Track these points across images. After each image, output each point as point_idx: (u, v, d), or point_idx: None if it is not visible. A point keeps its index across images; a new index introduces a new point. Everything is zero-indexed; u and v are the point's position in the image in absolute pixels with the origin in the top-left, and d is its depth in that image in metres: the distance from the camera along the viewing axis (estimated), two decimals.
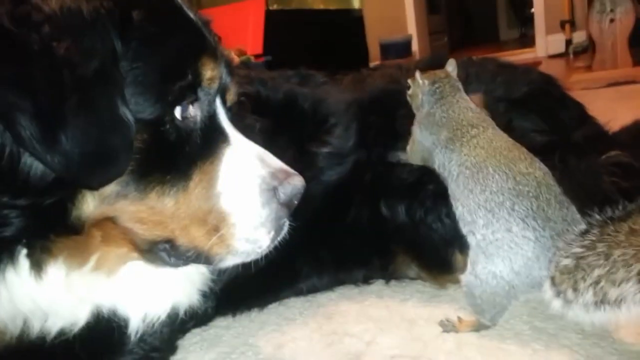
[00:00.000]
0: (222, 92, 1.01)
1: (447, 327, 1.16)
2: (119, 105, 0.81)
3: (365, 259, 1.42)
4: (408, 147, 1.32)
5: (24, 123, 0.74)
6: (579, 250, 0.97)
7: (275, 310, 1.38)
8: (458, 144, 1.16)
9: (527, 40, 8.88)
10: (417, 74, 1.27)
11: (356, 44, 6.57)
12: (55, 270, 0.89)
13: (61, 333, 0.95)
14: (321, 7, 6.81)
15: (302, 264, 1.42)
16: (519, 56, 7.18)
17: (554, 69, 5.65)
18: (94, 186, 0.85)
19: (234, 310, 1.37)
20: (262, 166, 0.94)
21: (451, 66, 1.30)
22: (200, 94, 0.93)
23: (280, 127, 1.39)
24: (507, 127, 1.37)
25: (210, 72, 0.93)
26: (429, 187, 1.32)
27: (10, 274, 0.87)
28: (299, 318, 1.33)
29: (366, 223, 1.38)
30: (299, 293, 1.43)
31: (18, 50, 0.76)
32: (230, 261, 0.95)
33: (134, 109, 0.84)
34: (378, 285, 1.42)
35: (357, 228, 1.40)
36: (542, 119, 1.45)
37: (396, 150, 1.42)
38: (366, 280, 1.43)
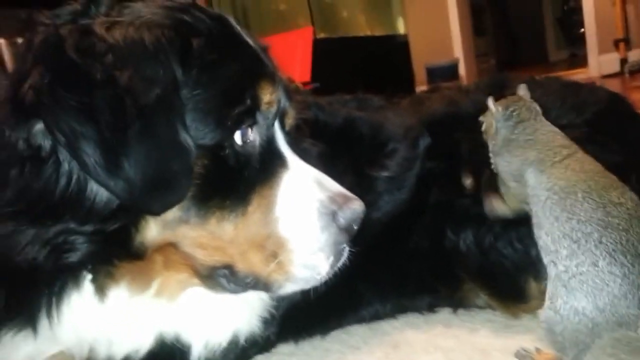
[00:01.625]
0: (281, 116, 1.02)
1: (525, 358, 1.10)
2: (179, 132, 0.83)
3: (429, 286, 1.38)
4: (499, 197, 1.23)
5: (89, 150, 0.77)
6: None
7: (338, 338, 1.35)
8: (549, 164, 1.09)
9: (577, 60, 8.70)
10: (490, 102, 1.21)
11: (402, 69, 6.60)
12: (119, 295, 0.91)
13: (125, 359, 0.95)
14: (367, 33, 6.88)
15: (364, 290, 1.39)
16: (570, 77, 7.01)
17: (609, 89, 5.48)
18: (156, 211, 0.86)
19: (296, 336, 1.35)
20: (321, 190, 0.94)
21: (523, 90, 1.25)
22: (259, 118, 0.94)
23: (338, 151, 1.38)
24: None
25: (268, 96, 0.94)
26: None
27: (76, 299, 0.89)
28: (364, 346, 1.29)
29: (429, 249, 1.34)
30: (362, 320, 1.39)
31: (82, 80, 0.79)
32: (289, 288, 0.95)
33: (194, 135, 0.86)
34: (444, 313, 1.37)
35: (419, 254, 1.36)
36: (614, 139, 1.39)
37: (459, 175, 1.38)
38: (431, 309, 1.39)
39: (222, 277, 0.93)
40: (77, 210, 0.84)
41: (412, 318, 1.38)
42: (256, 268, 0.90)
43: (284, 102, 1.02)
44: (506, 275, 1.26)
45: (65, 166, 0.83)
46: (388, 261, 1.37)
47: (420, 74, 6.76)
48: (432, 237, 1.36)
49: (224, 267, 0.91)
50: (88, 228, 0.85)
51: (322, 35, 6.01)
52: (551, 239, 1.04)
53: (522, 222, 1.20)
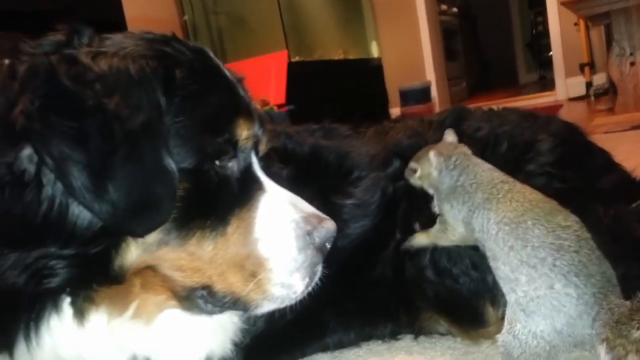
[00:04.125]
0: (255, 144, 1.06)
1: None
2: (163, 156, 0.86)
3: (391, 313, 1.40)
4: (439, 238, 1.26)
5: (76, 174, 0.79)
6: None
7: None
8: (494, 202, 1.14)
9: (546, 83, 8.93)
10: (431, 154, 1.24)
11: (376, 91, 6.70)
12: (97, 318, 0.92)
13: None
14: (341, 57, 6.97)
15: (329, 317, 1.40)
16: (539, 99, 7.21)
17: (575, 112, 5.65)
18: (139, 234, 0.88)
19: None
20: (296, 211, 0.98)
21: (451, 136, 1.30)
22: (237, 150, 0.98)
23: (305, 178, 1.41)
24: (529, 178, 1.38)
25: (246, 132, 0.99)
26: None
27: (55, 322, 0.90)
28: None
29: (391, 277, 1.37)
30: (326, 348, 1.41)
31: (73, 106, 0.82)
32: (266, 307, 0.97)
33: (176, 159, 0.89)
34: (406, 340, 1.39)
35: (382, 282, 1.39)
36: (566, 168, 1.44)
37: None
38: (394, 336, 1.41)
39: (200, 298, 0.94)
40: (58, 234, 0.85)
41: (375, 345, 1.40)
42: (235, 288, 0.93)
43: (258, 131, 1.06)
44: (463, 301, 1.30)
45: (48, 190, 0.85)
46: (353, 289, 1.39)
47: (394, 96, 6.86)
48: (393, 265, 1.39)
49: (203, 287, 0.93)
50: (69, 252, 0.86)
51: (297, 59, 6.07)
52: (509, 268, 1.08)
53: (476, 249, 1.24)
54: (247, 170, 1.00)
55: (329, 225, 0.97)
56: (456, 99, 7.98)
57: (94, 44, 0.93)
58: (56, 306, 0.89)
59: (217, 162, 0.94)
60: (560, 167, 1.39)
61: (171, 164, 0.87)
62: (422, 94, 6.54)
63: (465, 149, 1.26)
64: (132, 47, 0.93)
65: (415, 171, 1.28)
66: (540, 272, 1.03)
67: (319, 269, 0.99)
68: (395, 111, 6.62)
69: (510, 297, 1.09)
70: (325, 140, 1.59)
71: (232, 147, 0.96)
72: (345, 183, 1.46)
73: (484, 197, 1.16)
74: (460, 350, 1.30)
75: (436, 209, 1.25)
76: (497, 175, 1.19)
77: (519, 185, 1.17)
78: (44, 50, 0.92)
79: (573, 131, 1.62)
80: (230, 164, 0.96)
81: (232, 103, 1.00)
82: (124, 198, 0.81)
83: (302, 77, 5.02)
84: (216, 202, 0.93)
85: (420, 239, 1.29)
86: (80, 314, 0.90)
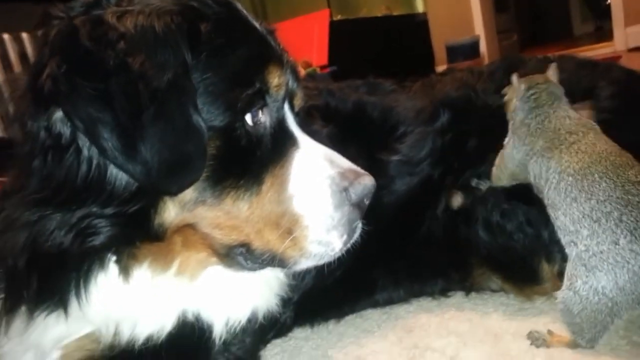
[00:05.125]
0: (290, 97, 1.04)
1: (537, 341, 1.10)
2: (192, 114, 0.85)
3: (442, 270, 1.39)
4: (496, 163, 1.24)
5: (106, 135, 0.80)
6: None
7: (352, 322, 1.38)
8: (557, 152, 1.09)
9: (603, 34, 8.41)
10: (514, 78, 1.21)
11: (422, 48, 6.49)
12: (142, 274, 0.94)
13: (149, 339, 0.98)
14: (385, 13, 6.78)
15: (377, 275, 1.40)
16: (595, 51, 6.80)
17: (635, 63, 5.31)
18: (173, 192, 0.89)
19: (311, 321, 1.38)
20: (332, 167, 0.96)
21: (552, 70, 1.23)
22: (269, 100, 0.96)
23: (349, 135, 1.38)
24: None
25: (277, 79, 0.97)
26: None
27: (101, 279, 0.92)
28: (377, 330, 1.31)
29: (441, 234, 1.34)
30: (375, 305, 1.41)
31: (97, 67, 0.82)
32: (304, 264, 0.96)
33: (206, 117, 0.89)
34: (457, 297, 1.38)
35: (431, 239, 1.37)
36: (627, 118, 1.36)
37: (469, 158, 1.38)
38: (444, 293, 1.40)
39: (239, 255, 0.95)
40: (99, 195, 0.88)
41: (425, 302, 1.39)
42: (272, 245, 0.93)
43: (292, 84, 1.04)
44: (518, 258, 1.26)
45: (85, 152, 0.86)
46: (401, 246, 1.38)
47: (440, 52, 6.63)
48: (444, 222, 1.36)
49: (241, 245, 0.94)
50: (109, 211, 0.88)
51: (339, 17, 5.93)
52: (570, 219, 1.04)
53: (532, 203, 1.20)
54: (281, 126, 0.98)
55: (367, 180, 0.95)
56: (507, 54, 7.64)
57: (123, 4, 0.92)
58: (102, 264, 0.92)
59: (248, 118, 0.93)
60: (620, 115, 1.31)
61: (200, 121, 0.86)
62: (470, 49, 6.29)
63: (554, 88, 1.20)
64: (158, 3, 0.91)
65: (504, 95, 1.25)
66: (604, 227, 0.99)
67: (359, 225, 0.98)
68: (442, 69, 6.42)
69: (571, 251, 1.05)
70: (369, 95, 1.56)
71: (262, 97, 0.94)
72: (390, 139, 1.43)
73: (545, 145, 1.11)
74: (514, 307, 1.28)
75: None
76: (568, 124, 1.14)
77: (591, 136, 1.11)
78: (74, 13, 0.92)
79: (635, 79, 1.52)
80: (262, 120, 0.95)
81: (261, 53, 0.98)
82: (155, 157, 0.81)
83: (344, 37, 4.91)
84: (249, 160, 0.92)
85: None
86: (125, 271, 0.92)
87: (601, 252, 0.99)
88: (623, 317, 1.03)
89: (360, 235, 1.00)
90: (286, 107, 1.01)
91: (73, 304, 0.92)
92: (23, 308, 0.95)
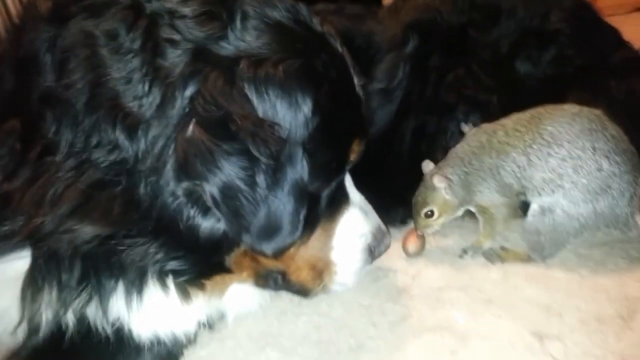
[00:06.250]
0: None
1: (492, 257, 1.17)
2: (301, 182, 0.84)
3: (403, 198, 1.42)
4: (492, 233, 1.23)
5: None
6: None
7: None
8: (504, 146, 1.13)
9: None
10: (435, 179, 1.18)
11: None
12: (200, 298, 0.95)
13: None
14: None
15: None
16: None
17: None
18: (270, 255, 0.88)
19: None
20: (367, 224, 1.04)
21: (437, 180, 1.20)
22: (345, 170, 0.99)
23: None
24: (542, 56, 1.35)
25: (354, 152, 0.98)
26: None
27: (157, 292, 0.91)
28: None
29: (405, 160, 1.37)
30: None
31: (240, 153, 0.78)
32: (320, 296, 1.06)
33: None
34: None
35: (395, 166, 1.39)
36: (578, 42, 1.40)
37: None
38: (404, 221, 1.43)
39: (274, 279, 1.01)
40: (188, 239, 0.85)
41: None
42: (304, 281, 1.01)
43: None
44: None
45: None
46: (370, 176, 1.40)
47: None
48: (409, 151, 1.39)
49: (280, 272, 0.99)
50: (195, 257, 0.88)
51: None
52: (550, 169, 1.08)
53: None
54: (340, 185, 1.00)
55: (387, 242, 1.07)
56: None
57: (247, 38, 0.82)
58: (163, 283, 0.90)
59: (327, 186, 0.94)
60: (572, 40, 1.35)
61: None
62: None
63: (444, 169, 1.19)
64: (289, 60, 0.82)
65: (432, 214, 1.20)
66: (584, 160, 1.04)
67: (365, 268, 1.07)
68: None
69: (557, 194, 1.07)
70: (346, 21, 1.51)
71: (342, 170, 0.98)
72: (372, 67, 1.41)
73: (494, 155, 1.14)
74: (469, 229, 1.32)
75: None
76: (481, 136, 1.17)
77: (505, 120, 1.17)
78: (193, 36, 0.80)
79: (584, 6, 1.56)
80: (333, 183, 0.96)
81: (356, 123, 0.98)
82: (264, 223, 0.82)
83: None
84: (311, 217, 0.92)
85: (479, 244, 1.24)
86: (186, 295, 0.92)
87: (588, 183, 1.04)
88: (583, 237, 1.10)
89: None
90: None
91: (118, 299, 0.88)
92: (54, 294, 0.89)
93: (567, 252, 1.15)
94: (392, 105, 1.38)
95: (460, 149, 1.18)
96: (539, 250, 1.11)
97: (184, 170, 0.78)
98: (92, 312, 0.89)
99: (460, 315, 1.04)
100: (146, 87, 0.78)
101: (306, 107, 0.82)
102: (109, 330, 0.90)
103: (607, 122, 1.07)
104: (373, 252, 1.04)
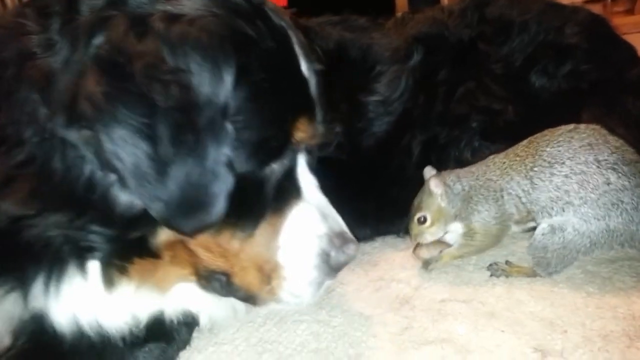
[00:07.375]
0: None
1: (497, 271, 1.15)
2: (223, 157, 0.79)
3: (406, 209, 1.41)
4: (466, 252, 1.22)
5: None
6: None
7: None
8: (508, 170, 1.13)
9: None
10: (432, 184, 1.18)
11: None
12: (126, 286, 0.91)
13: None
14: None
15: (345, 215, 1.41)
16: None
17: None
18: (186, 232, 0.84)
19: None
20: (324, 226, 0.93)
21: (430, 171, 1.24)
22: (287, 151, 0.91)
23: (332, 77, 1.35)
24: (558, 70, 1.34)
25: (301, 134, 0.90)
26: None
27: (78, 279, 0.88)
28: None
29: (410, 171, 1.36)
30: None
31: (143, 101, 0.73)
32: (271, 306, 0.99)
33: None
34: None
35: (399, 177, 1.38)
36: (593, 58, 1.39)
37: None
38: (408, 231, 1.42)
39: (217, 281, 0.94)
40: (100, 212, 0.82)
41: (390, 239, 1.43)
42: (250, 285, 0.93)
43: (317, 131, 0.96)
44: None
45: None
46: (372, 187, 1.39)
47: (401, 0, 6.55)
48: (413, 162, 1.38)
49: (223, 273, 0.92)
50: (109, 232, 0.84)
51: None
52: (555, 187, 1.06)
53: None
54: (290, 174, 0.93)
55: (350, 251, 0.95)
56: None
57: None
58: (83, 268, 0.87)
59: (265, 166, 0.87)
60: (589, 55, 1.34)
61: (227, 166, 0.80)
62: None
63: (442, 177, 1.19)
64: (211, 18, 0.78)
65: (425, 221, 1.19)
66: (589, 174, 1.01)
67: (328, 284, 0.98)
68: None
69: (567, 212, 1.05)
70: (348, 33, 1.51)
71: (285, 149, 0.89)
72: (370, 79, 1.40)
73: (497, 180, 1.13)
74: None
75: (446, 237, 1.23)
76: (484, 169, 1.17)
77: (508, 150, 1.17)
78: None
79: (600, 22, 1.55)
80: (275, 167, 0.89)
81: (298, 103, 0.91)
82: (178, 194, 0.75)
83: None
84: (252, 204, 0.88)
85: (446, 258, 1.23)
86: (110, 282, 0.89)
87: (598, 198, 1.01)
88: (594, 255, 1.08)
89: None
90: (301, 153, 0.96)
91: (36, 292, 0.87)
92: None
93: (574, 269, 1.12)
94: (390, 116, 1.37)
95: (476, 165, 1.18)
96: (545, 267, 1.09)
97: (70, 114, 0.73)
98: (12, 302, 0.87)
99: (462, 328, 1.02)
100: (61, 44, 0.76)
101: (229, 71, 0.77)
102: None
103: (607, 135, 1.05)
104: (329, 259, 0.93)
